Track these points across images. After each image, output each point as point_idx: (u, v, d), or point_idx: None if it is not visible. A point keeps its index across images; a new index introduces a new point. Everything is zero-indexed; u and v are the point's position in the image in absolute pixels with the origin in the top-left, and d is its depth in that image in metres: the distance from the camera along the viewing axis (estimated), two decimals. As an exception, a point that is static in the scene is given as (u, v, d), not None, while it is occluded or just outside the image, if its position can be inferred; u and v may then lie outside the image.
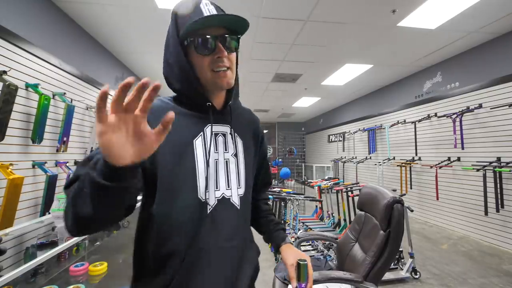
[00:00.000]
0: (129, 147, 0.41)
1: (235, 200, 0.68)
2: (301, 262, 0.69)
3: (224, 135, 0.71)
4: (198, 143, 0.66)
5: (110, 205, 0.47)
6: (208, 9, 0.63)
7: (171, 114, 0.41)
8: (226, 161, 0.69)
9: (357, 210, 1.63)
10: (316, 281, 1.10)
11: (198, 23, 0.60)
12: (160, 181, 0.61)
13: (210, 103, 0.68)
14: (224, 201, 0.66)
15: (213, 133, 0.68)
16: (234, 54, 0.66)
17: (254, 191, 0.83)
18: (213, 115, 0.69)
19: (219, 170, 0.67)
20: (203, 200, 0.63)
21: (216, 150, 0.68)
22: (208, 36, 0.61)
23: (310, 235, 2.03)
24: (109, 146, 0.40)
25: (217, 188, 0.66)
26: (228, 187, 0.68)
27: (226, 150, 0.70)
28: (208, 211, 0.63)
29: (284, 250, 0.80)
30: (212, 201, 0.64)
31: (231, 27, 0.64)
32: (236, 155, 0.71)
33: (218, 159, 0.68)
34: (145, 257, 0.63)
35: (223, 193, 0.67)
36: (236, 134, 0.73)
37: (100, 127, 0.38)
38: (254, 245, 0.78)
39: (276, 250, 0.82)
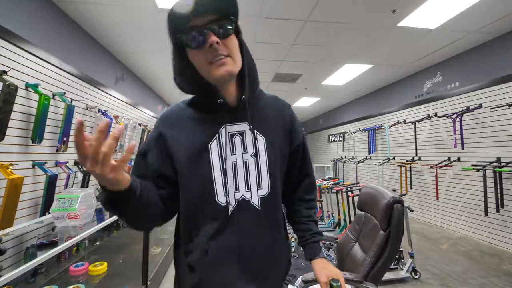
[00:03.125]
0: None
1: (255, 202, 0.66)
2: (334, 284, 0.68)
3: (241, 134, 0.66)
4: (213, 147, 0.64)
5: (128, 215, 0.58)
6: None
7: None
8: (245, 162, 0.66)
9: (357, 210, 1.63)
10: (315, 281, 1.10)
11: (180, 16, 0.56)
12: (182, 189, 0.65)
13: (222, 100, 0.64)
14: (244, 203, 0.65)
15: (229, 133, 0.65)
16: (232, 38, 0.60)
17: (291, 187, 0.81)
18: (228, 114, 0.65)
19: (237, 172, 0.65)
20: (223, 204, 0.63)
21: (233, 152, 0.65)
22: (193, 27, 0.57)
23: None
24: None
25: (236, 190, 0.65)
26: (248, 188, 0.66)
27: (244, 150, 0.66)
28: (230, 213, 0.64)
29: (317, 265, 0.77)
30: (232, 204, 0.64)
31: (222, 11, 0.58)
32: (256, 155, 0.67)
33: (236, 161, 0.65)
34: (179, 254, 0.69)
35: (242, 195, 0.65)
36: (256, 132, 0.68)
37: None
38: (286, 243, 0.77)
39: (307, 261, 0.81)
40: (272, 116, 0.73)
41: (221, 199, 0.63)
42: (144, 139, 3.89)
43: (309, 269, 1.32)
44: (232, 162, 0.65)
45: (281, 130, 0.73)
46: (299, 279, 0.81)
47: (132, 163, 0.70)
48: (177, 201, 0.67)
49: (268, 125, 0.70)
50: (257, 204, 0.66)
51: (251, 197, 0.66)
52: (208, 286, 0.65)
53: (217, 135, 0.65)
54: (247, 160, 0.66)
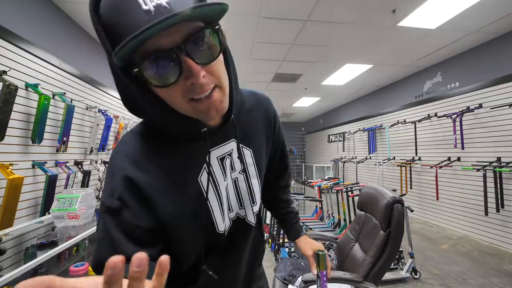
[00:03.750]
0: None
1: (251, 220, 0.63)
2: (320, 253, 0.77)
3: (230, 154, 0.58)
4: (204, 180, 0.53)
5: None
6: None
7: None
8: (235, 181, 0.60)
9: (357, 210, 1.63)
10: (315, 281, 1.10)
11: (128, 28, 0.35)
12: (176, 238, 0.52)
13: (206, 129, 0.50)
14: (239, 221, 0.61)
15: (218, 158, 0.56)
16: (218, 57, 0.43)
17: (271, 178, 0.82)
18: (213, 137, 0.53)
19: (229, 193, 0.59)
20: (221, 232, 0.58)
21: (226, 177, 0.57)
22: (157, 51, 0.37)
23: (310, 235, 2.02)
24: None
25: (230, 210, 0.60)
26: (241, 206, 0.61)
27: (233, 169, 0.59)
28: (225, 234, 0.59)
29: (301, 242, 0.85)
30: (228, 225, 0.59)
31: (202, 13, 0.37)
32: (244, 170, 0.61)
33: (227, 185, 0.58)
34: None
35: (237, 213, 0.61)
36: (242, 145, 0.60)
37: None
38: (263, 238, 0.78)
39: (292, 240, 0.88)
40: (257, 119, 0.64)
41: (221, 228, 0.57)
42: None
43: (309, 269, 1.32)
44: (225, 187, 0.58)
45: (264, 130, 0.66)
46: (299, 279, 0.81)
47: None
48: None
49: (253, 132, 0.63)
50: (253, 222, 0.64)
51: (245, 215, 0.62)
52: None
53: (205, 165, 0.53)
54: (236, 178, 0.60)
